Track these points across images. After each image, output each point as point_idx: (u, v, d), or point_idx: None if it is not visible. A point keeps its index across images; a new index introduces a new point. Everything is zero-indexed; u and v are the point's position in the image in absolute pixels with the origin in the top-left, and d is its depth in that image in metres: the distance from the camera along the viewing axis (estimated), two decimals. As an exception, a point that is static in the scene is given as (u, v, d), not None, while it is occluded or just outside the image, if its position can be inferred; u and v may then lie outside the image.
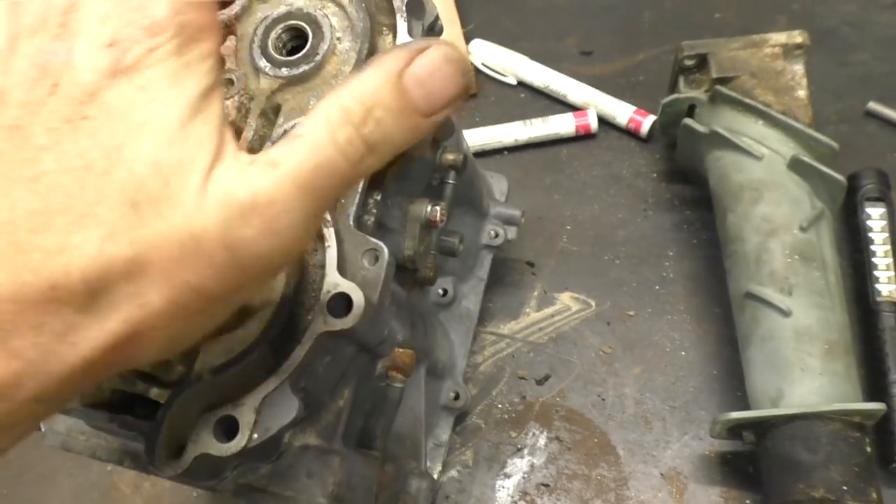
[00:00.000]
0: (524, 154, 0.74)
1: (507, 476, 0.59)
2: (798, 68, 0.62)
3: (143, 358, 0.28)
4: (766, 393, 0.53)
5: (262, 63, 0.40)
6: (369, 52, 0.38)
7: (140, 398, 0.36)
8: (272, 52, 0.40)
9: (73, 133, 0.26)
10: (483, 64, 0.79)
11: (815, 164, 0.58)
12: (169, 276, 0.26)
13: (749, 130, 0.60)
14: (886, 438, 0.55)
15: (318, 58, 0.39)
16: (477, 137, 0.74)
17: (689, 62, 0.64)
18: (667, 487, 0.57)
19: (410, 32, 0.37)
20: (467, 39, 0.81)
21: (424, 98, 0.28)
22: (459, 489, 0.59)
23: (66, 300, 0.25)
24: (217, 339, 0.34)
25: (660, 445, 0.59)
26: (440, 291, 0.61)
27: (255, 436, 0.33)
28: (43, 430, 0.41)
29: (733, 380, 0.60)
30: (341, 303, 0.35)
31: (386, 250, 0.37)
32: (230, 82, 0.40)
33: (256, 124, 0.39)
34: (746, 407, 0.56)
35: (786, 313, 0.54)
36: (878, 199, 0.63)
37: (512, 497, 0.58)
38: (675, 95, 0.65)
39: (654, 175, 0.72)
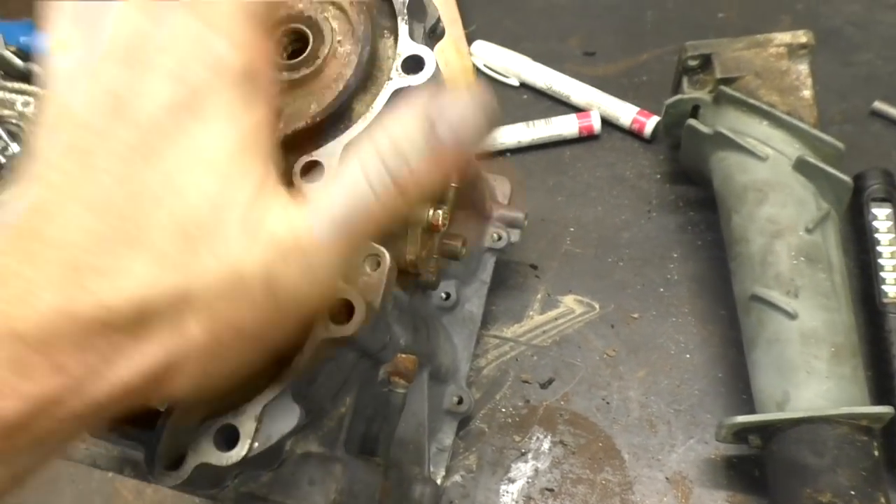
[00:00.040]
0: (527, 156, 0.74)
1: (512, 481, 0.59)
2: (803, 68, 0.62)
3: (174, 391, 0.29)
4: (772, 396, 0.53)
5: (262, 67, 0.39)
6: (370, 55, 0.38)
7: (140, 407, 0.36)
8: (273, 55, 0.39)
9: (136, 160, 0.27)
10: (485, 65, 0.78)
11: (820, 164, 0.57)
12: (210, 310, 0.27)
13: (753, 131, 0.60)
14: (894, 442, 0.54)
15: (318, 61, 0.39)
16: (479, 139, 0.73)
17: (692, 62, 0.64)
18: (672, 492, 0.57)
19: (412, 35, 0.37)
20: (469, 40, 0.80)
21: (453, 142, 0.29)
22: (463, 494, 0.59)
23: (113, 322, 0.26)
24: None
25: (665, 449, 0.59)
26: (443, 295, 0.60)
27: (256, 445, 0.33)
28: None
29: (739, 382, 0.60)
30: (343, 309, 0.35)
31: (388, 255, 0.37)
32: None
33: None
34: (752, 410, 0.55)
35: (792, 316, 0.53)
36: (883, 200, 0.63)
37: (516, 502, 0.58)
38: (678, 96, 0.64)
39: (658, 176, 0.71)
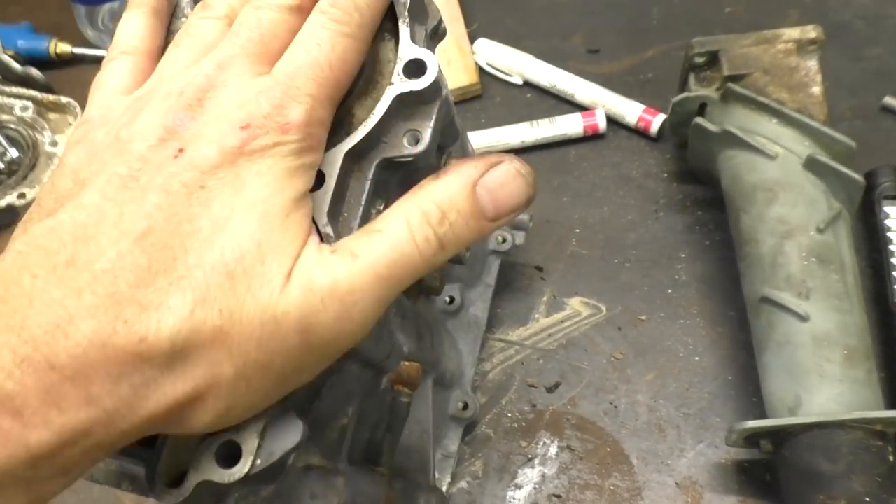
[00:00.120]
0: (531, 156, 0.72)
1: (518, 487, 0.58)
2: (812, 64, 0.60)
3: (195, 424, 0.29)
4: (784, 400, 0.52)
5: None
6: (371, 58, 0.37)
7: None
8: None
9: (188, 199, 0.28)
10: (488, 64, 0.77)
11: (831, 163, 0.56)
12: (244, 350, 0.27)
13: (762, 129, 0.59)
14: (909, 446, 0.53)
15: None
16: (483, 139, 0.72)
17: (699, 59, 0.62)
18: (682, 497, 0.56)
19: (413, 38, 0.36)
20: (471, 39, 0.79)
21: (493, 205, 0.31)
22: (469, 501, 0.58)
23: (149, 356, 0.26)
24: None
25: (674, 454, 0.58)
26: (447, 299, 0.59)
27: (259, 461, 0.32)
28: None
29: (749, 385, 0.59)
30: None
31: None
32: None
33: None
34: (763, 413, 0.54)
35: (803, 318, 0.52)
36: (895, 198, 0.62)
37: (523, 508, 0.57)
38: (685, 94, 0.63)
39: (665, 175, 0.70)
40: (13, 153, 0.76)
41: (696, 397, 0.60)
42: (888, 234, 0.61)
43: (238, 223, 0.28)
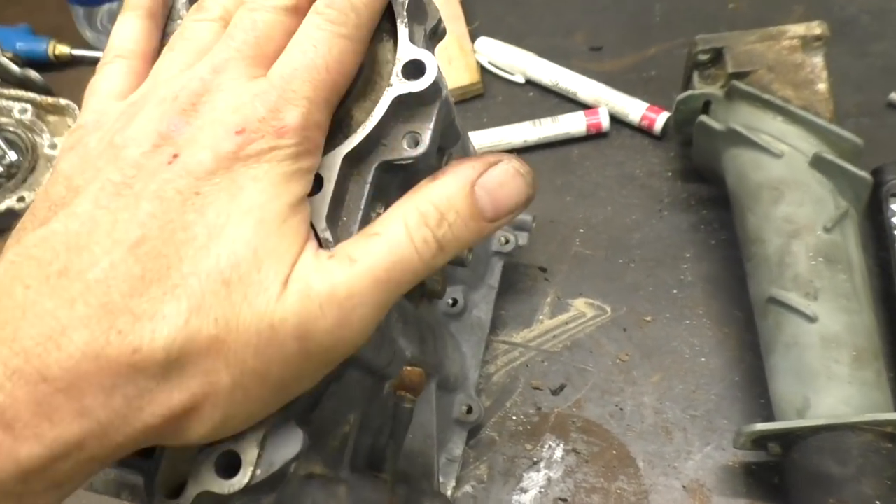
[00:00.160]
0: (533, 155, 0.72)
1: (524, 491, 0.57)
2: (817, 61, 0.60)
3: (191, 435, 0.28)
4: (792, 403, 0.51)
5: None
6: (369, 59, 0.36)
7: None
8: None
9: (183, 205, 0.27)
10: (489, 62, 0.77)
11: (838, 161, 0.55)
12: (241, 359, 0.27)
13: (768, 127, 0.58)
14: (919, 447, 0.53)
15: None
16: (484, 139, 0.72)
17: (703, 57, 0.62)
18: (689, 501, 0.55)
19: (412, 38, 0.35)
20: (472, 37, 0.78)
21: (492, 206, 0.31)
22: (474, 505, 0.57)
23: (144, 366, 0.25)
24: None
25: (681, 457, 0.57)
26: (450, 301, 0.59)
27: (259, 472, 0.32)
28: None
29: (756, 386, 0.58)
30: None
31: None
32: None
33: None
34: (770, 415, 0.54)
35: (811, 319, 0.51)
36: (903, 195, 0.61)
37: (529, 512, 0.57)
38: (689, 92, 0.62)
39: (669, 174, 0.69)
40: (12, 156, 0.75)
41: (702, 399, 0.59)
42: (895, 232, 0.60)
43: (234, 230, 0.27)
